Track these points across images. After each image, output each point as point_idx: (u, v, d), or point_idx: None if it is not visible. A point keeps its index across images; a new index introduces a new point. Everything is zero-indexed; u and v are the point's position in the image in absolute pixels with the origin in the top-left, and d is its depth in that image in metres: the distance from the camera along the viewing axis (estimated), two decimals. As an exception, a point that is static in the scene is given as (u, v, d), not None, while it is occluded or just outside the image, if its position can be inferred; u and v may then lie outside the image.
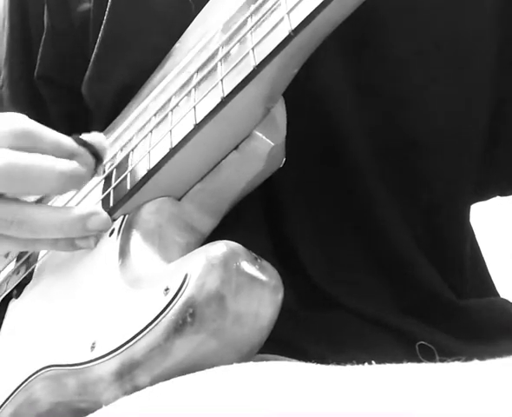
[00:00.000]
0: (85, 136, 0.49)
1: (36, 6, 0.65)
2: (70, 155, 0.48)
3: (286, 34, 0.41)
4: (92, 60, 0.60)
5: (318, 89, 0.54)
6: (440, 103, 0.55)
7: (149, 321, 0.39)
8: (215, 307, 0.38)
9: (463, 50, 0.55)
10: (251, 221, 0.56)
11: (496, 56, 0.56)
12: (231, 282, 0.38)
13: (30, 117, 0.50)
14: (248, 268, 0.39)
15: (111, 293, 0.45)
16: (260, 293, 0.39)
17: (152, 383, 0.38)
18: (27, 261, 0.58)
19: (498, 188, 0.63)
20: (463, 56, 0.55)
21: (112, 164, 0.53)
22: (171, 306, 0.39)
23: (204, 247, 0.41)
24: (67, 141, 0.49)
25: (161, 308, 0.39)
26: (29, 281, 0.57)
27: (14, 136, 0.48)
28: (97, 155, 0.49)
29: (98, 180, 0.53)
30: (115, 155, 0.54)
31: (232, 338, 0.39)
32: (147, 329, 0.39)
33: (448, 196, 0.58)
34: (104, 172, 0.51)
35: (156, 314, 0.39)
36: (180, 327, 0.38)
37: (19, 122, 0.49)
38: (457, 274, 0.59)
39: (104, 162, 0.51)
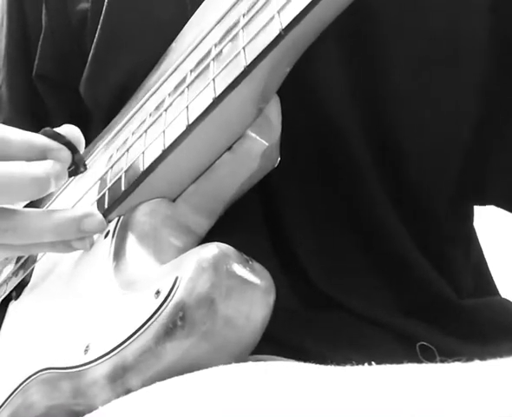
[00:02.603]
0: (56, 129, 0.47)
1: (34, 5, 0.65)
2: (43, 153, 0.46)
3: (277, 33, 0.41)
4: (89, 60, 0.60)
5: (315, 87, 0.53)
6: (432, 105, 0.55)
7: (140, 324, 0.39)
8: (205, 310, 0.37)
9: (457, 50, 0.54)
10: (250, 222, 0.55)
11: (490, 58, 0.54)
12: (221, 285, 0.38)
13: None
14: (239, 270, 0.39)
15: (105, 295, 0.44)
16: (251, 295, 0.39)
17: (144, 386, 0.38)
18: (25, 263, 0.58)
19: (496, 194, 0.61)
20: (457, 56, 0.54)
21: (108, 164, 0.53)
22: (161, 309, 0.38)
23: (195, 249, 0.40)
24: (37, 139, 0.46)
25: (152, 312, 0.39)
26: (28, 282, 0.57)
27: None
28: (71, 146, 0.47)
29: (94, 180, 0.53)
30: (111, 155, 0.54)
31: (223, 341, 0.38)
32: (139, 332, 0.39)
33: (445, 199, 0.57)
34: (86, 167, 0.48)
35: (147, 318, 0.39)
36: (170, 330, 0.38)
37: None
38: (459, 274, 0.59)
39: (84, 156, 0.49)
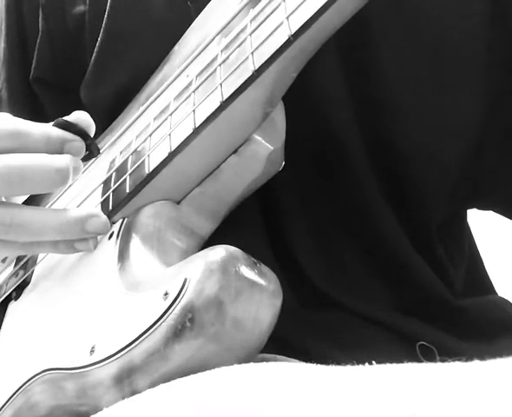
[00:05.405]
0: (67, 118, 0.48)
1: (32, 8, 0.65)
2: (61, 145, 0.47)
3: (286, 38, 0.41)
4: (91, 64, 0.60)
5: (317, 93, 0.54)
6: (430, 113, 0.55)
7: (148, 325, 0.39)
8: (214, 312, 0.38)
9: (453, 57, 0.54)
10: (250, 223, 0.56)
11: (487, 60, 0.55)
12: (230, 287, 0.38)
13: (28, 119, 0.50)
14: (247, 272, 0.39)
15: (110, 296, 0.45)
16: (259, 297, 0.39)
17: (151, 388, 0.38)
18: (26, 264, 0.58)
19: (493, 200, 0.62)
20: (453, 63, 0.54)
21: (111, 167, 0.53)
22: (170, 311, 0.39)
23: (203, 251, 0.41)
24: (54, 131, 0.48)
25: (161, 313, 0.39)
26: (28, 283, 0.57)
27: (2, 138, 0.47)
28: (84, 134, 0.48)
29: (96, 183, 0.53)
30: (114, 158, 0.54)
31: (231, 343, 0.39)
32: (147, 334, 0.39)
33: (443, 202, 0.58)
34: (99, 151, 0.50)
35: (155, 319, 0.39)
36: (179, 332, 0.38)
37: (5, 123, 0.48)
38: (453, 273, 0.60)
39: (96, 141, 0.50)
